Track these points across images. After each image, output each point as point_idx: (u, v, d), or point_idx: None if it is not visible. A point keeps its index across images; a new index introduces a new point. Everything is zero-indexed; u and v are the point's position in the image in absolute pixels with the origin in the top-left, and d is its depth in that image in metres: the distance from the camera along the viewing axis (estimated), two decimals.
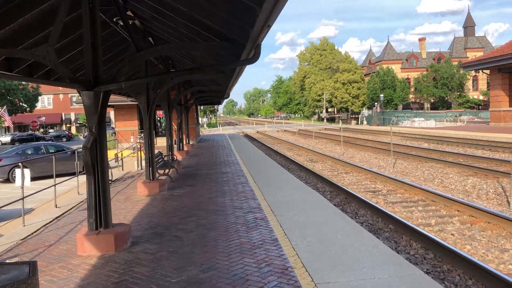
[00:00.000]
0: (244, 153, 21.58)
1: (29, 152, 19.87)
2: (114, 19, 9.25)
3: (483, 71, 40.32)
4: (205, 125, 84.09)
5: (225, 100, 50.38)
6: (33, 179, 16.34)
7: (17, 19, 6.84)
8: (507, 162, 15.82)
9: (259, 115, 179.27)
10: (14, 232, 8.29)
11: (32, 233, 8.03)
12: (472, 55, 71.15)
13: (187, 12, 7.28)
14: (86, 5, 6.46)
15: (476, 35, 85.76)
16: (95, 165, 6.55)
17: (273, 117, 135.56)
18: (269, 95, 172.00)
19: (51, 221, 9.00)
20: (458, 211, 10.08)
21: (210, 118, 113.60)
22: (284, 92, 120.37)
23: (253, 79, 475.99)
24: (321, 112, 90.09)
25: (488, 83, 57.94)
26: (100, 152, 6.59)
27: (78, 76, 8.45)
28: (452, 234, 8.44)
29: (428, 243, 7.68)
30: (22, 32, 7.31)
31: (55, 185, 10.83)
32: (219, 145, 28.60)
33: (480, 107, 73.69)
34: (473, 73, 72.61)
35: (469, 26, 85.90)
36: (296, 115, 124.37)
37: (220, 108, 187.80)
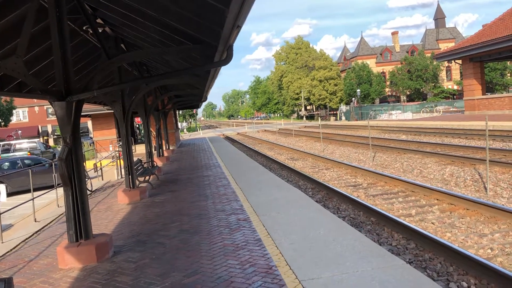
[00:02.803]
0: (225, 156, 21.54)
1: (5, 167, 19.45)
2: (84, 28, 9.13)
3: (456, 61, 41.11)
4: (185, 130, 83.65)
5: (204, 103, 50.21)
6: (11, 194, 16.07)
7: None
8: (483, 149, 16.14)
9: (239, 117, 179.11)
10: None
11: (11, 249, 7.87)
12: (444, 46, 72.47)
13: (157, 17, 7.23)
14: (53, 14, 6.35)
15: (447, 26, 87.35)
16: (72, 176, 6.45)
17: (253, 117, 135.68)
18: (247, 96, 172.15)
19: (30, 236, 8.84)
20: (437, 200, 10.25)
21: (190, 122, 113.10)
22: (263, 92, 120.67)
23: (230, 81, 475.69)
24: (300, 110, 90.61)
25: (461, 72, 59.12)
26: (76, 163, 6.49)
27: (50, 87, 8.33)
28: (432, 223, 8.58)
29: (409, 233, 7.79)
30: None
31: (33, 199, 10.64)
32: (200, 149, 28.49)
33: (454, 96, 75.06)
34: (446, 63, 73.90)
35: (439, 18, 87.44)
36: (276, 115, 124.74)
37: (200, 111, 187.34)
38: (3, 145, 34.36)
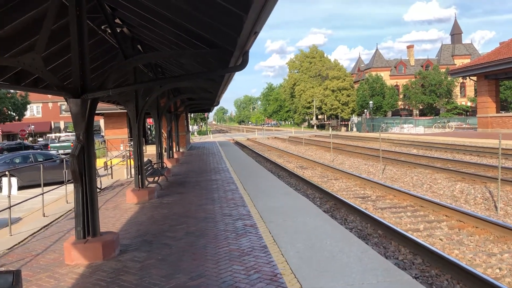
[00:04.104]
0: (234, 160, 21.56)
1: (17, 161, 19.65)
2: (102, 27, 9.24)
3: (470, 78, 40.77)
4: (195, 133, 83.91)
5: (216, 108, 50.39)
6: (21, 188, 16.20)
7: (4, 26, 6.81)
8: (495, 167, 15.96)
9: (249, 123, 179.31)
10: (1, 242, 8.18)
11: (19, 243, 7.93)
12: (460, 62, 72.03)
13: (175, 19, 7.29)
14: (73, 13, 6.43)
15: (463, 42, 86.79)
16: (83, 173, 6.50)
17: (263, 124, 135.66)
18: (259, 102, 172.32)
19: (38, 230, 8.90)
20: (446, 216, 10.15)
21: (201, 125, 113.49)
22: (274, 99, 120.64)
23: (243, 86, 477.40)
24: (311, 119, 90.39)
25: (475, 89, 58.60)
26: (88, 160, 6.55)
27: (66, 83, 8.43)
28: (440, 239, 8.50)
29: (416, 248, 7.72)
30: (9, 40, 7.27)
31: (42, 194, 10.73)
32: (209, 153, 28.55)
33: (468, 113, 74.43)
34: (460, 79, 73.39)
35: (456, 33, 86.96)
36: (287, 122, 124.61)
37: (211, 115, 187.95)
38: (54, 137, 43.07)
